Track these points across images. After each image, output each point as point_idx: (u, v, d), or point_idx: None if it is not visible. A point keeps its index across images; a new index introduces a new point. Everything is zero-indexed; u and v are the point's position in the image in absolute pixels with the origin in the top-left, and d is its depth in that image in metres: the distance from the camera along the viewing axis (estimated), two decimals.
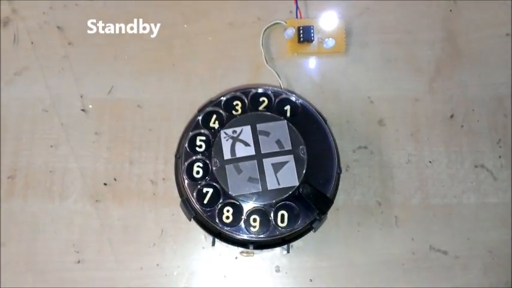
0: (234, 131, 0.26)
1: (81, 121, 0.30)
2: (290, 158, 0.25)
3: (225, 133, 0.25)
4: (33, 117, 0.30)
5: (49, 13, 0.32)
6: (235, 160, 0.25)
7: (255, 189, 0.24)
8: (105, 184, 0.29)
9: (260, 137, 0.25)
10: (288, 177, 0.25)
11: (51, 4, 0.32)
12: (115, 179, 0.29)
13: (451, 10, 0.32)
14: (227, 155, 0.25)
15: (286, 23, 0.31)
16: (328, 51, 0.31)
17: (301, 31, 0.30)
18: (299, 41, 0.31)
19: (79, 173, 0.29)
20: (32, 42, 0.31)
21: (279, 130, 0.26)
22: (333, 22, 0.31)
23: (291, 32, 0.30)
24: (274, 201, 0.24)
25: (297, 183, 0.24)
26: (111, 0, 0.32)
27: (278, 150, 0.25)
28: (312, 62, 0.31)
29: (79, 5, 0.32)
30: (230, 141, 0.25)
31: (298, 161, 0.25)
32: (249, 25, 0.32)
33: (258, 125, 0.26)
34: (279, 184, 0.25)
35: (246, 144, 0.25)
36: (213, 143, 0.25)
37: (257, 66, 0.31)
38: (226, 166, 0.25)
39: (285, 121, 0.26)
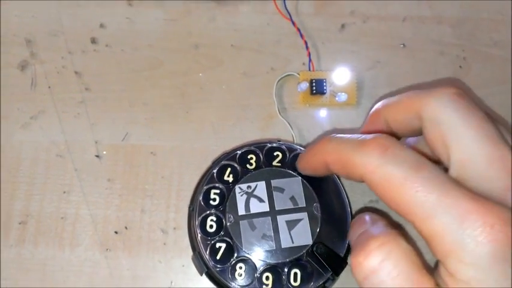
0: (249, 187, 0.26)
1: (95, 167, 0.30)
2: (304, 215, 0.25)
3: (240, 188, 0.26)
4: (47, 162, 0.30)
5: (67, 58, 0.33)
6: (250, 216, 0.25)
7: (269, 247, 0.25)
8: (115, 232, 0.29)
9: (274, 193, 0.26)
10: (302, 235, 0.25)
11: (70, 49, 0.33)
12: (126, 227, 0.29)
13: (460, 66, 0.33)
14: (241, 211, 0.25)
15: (299, 74, 0.32)
16: (340, 104, 0.31)
17: (313, 84, 0.31)
18: (312, 93, 0.31)
19: (90, 220, 0.29)
20: (49, 87, 0.32)
21: (294, 187, 0.26)
22: (345, 76, 0.31)
23: (304, 86, 0.31)
24: (287, 259, 0.24)
25: (310, 242, 0.24)
26: (129, 48, 0.33)
27: (292, 207, 0.25)
28: (323, 114, 0.32)
29: (97, 50, 0.33)
30: (245, 196, 0.26)
31: (312, 219, 0.25)
32: (263, 75, 0.32)
33: (272, 181, 0.26)
34: (292, 242, 0.25)
35: (261, 200, 0.25)
36: (227, 197, 0.26)
37: (269, 116, 0.31)
38: (241, 222, 0.25)
39: (300, 178, 0.26)
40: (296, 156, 0.27)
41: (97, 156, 0.30)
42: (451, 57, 0.33)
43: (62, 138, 0.31)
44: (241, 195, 0.26)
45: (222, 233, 0.25)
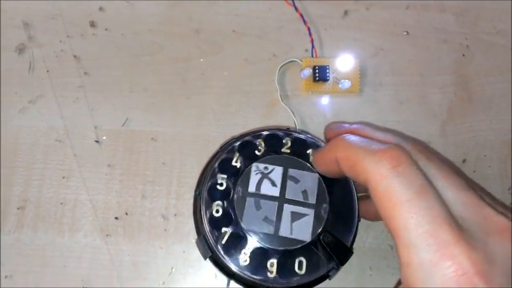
0: (266, 168, 0.25)
1: (95, 153, 0.30)
2: (311, 212, 0.25)
3: (257, 167, 0.25)
4: (46, 147, 0.30)
5: (66, 42, 0.32)
6: (258, 196, 0.25)
7: (267, 230, 0.24)
8: (116, 218, 0.28)
9: (288, 182, 0.25)
10: (302, 230, 0.24)
11: (69, 32, 0.32)
12: (126, 213, 0.29)
13: (463, 55, 0.33)
14: (252, 188, 0.25)
15: (301, 61, 0.31)
16: (343, 91, 0.31)
17: (316, 70, 0.31)
18: (314, 80, 0.31)
19: (90, 205, 0.29)
20: (48, 71, 0.31)
21: (309, 181, 0.25)
22: (348, 63, 0.31)
23: (307, 72, 0.30)
24: (280, 248, 0.24)
25: (308, 239, 0.24)
26: (129, 33, 0.32)
27: (302, 200, 0.25)
28: (326, 101, 0.32)
29: (96, 34, 0.32)
30: (259, 175, 0.25)
31: (317, 218, 0.25)
32: (265, 62, 0.32)
33: (290, 170, 0.25)
34: (291, 234, 0.24)
35: (273, 184, 0.25)
36: (241, 172, 0.25)
37: (272, 102, 0.31)
38: (248, 198, 0.25)
39: (318, 175, 0.25)
40: (304, 145, 0.26)
41: (97, 141, 0.30)
42: (454, 45, 0.33)
43: (61, 123, 0.30)
44: (256, 174, 0.25)
45: (231, 223, 0.24)
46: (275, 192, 0.25)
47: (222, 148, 0.27)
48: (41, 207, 0.28)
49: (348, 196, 0.25)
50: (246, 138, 0.27)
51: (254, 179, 0.25)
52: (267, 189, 0.25)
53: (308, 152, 0.26)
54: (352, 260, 0.28)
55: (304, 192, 0.25)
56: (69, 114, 0.30)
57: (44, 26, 0.32)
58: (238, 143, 0.26)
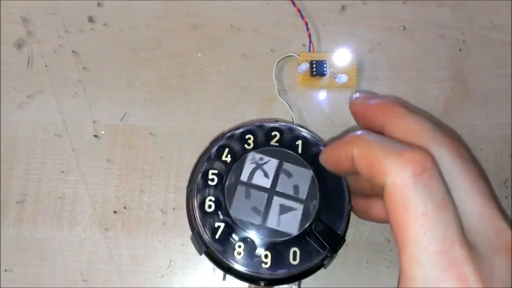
0: (261, 158, 0.26)
1: (93, 147, 0.30)
2: (299, 207, 0.25)
3: (253, 156, 0.26)
4: (44, 142, 0.30)
5: (64, 37, 0.32)
6: (249, 185, 0.25)
7: (254, 220, 0.25)
8: (114, 212, 0.29)
9: (281, 175, 0.25)
10: (290, 223, 0.25)
11: (67, 28, 0.32)
12: (125, 207, 0.29)
13: (460, 49, 0.33)
14: (244, 177, 0.25)
15: (299, 56, 0.31)
16: (340, 85, 0.31)
17: (314, 65, 0.31)
18: (311, 75, 0.31)
19: (89, 200, 0.29)
20: (46, 66, 0.31)
21: (302, 177, 0.25)
22: (345, 58, 0.31)
23: (304, 67, 0.31)
24: (265, 238, 0.24)
25: (295, 233, 0.24)
26: (127, 27, 0.32)
27: (292, 194, 0.25)
28: (323, 96, 0.32)
29: (95, 29, 0.32)
30: (253, 165, 0.26)
31: (305, 214, 0.25)
32: (262, 56, 0.32)
33: (285, 163, 0.26)
34: (278, 226, 0.25)
35: (266, 175, 0.25)
36: (238, 158, 0.25)
37: (269, 97, 0.31)
38: (239, 186, 0.25)
39: (312, 173, 0.26)
40: (294, 136, 0.27)
41: (95, 136, 0.30)
42: (450, 40, 0.33)
43: (60, 118, 0.30)
44: (251, 163, 0.25)
45: (223, 217, 0.25)
46: (266, 183, 0.25)
47: (212, 144, 0.27)
48: (40, 201, 0.29)
49: (338, 184, 0.26)
50: (235, 132, 0.27)
51: (248, 168, 0.25)
52: (259, 179, 0.25)
53: (297, 143, 0.26)
54: (349, 253, 0.28)
55: (296, 187, 0.25)
56: (68, 109, 0.30)
57: (43, 21, 0.32)
58: (227, 137, 0.27)
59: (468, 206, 0.18)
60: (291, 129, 0.27)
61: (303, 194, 0.25)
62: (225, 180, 0.25)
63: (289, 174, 0.26)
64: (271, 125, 0.27)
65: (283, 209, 0.25)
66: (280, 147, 0.26)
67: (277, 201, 0.25)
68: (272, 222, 0.25)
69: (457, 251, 0.17)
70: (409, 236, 0.17)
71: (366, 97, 0.24)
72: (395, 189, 0.18)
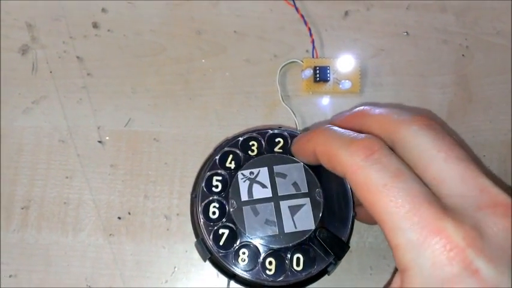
0: (251, 173, 0.26)
1: (98, 153, 0.30)
2: (307, 201, 0.25)
3: (243, 174, 0.26)
4: (49, 147, 0.30)
5: (69, 42, 0.32)
6: (253, 202, 0.25)
7: (272, 232, 0.25)
8: (119, 218, 0.29)
9: (277, 179, 0.26)
10: (305, 220, 0.25)
11: (72, 34, 0.32)
12: (129, 213, 0.29)
13: (463, 55, 0.33)
14: (244, 197, 0.25)
15: (302, 62, 0.32)
16: (344, 91, 0.31)
17: (317, 71, 0.31)
18: (315, 81, 0.31)
19: (93, 205, 0.29)
20: (51, 72, 0.32)
21: (296, 173, 0.26)
22: (349, 64, 0.31)
23: (308, 72, 0.31)
24: (290, 244, 0.24)
25: (313, 227, 0.25)
26: (132, 33, 0.32)
27: (295, 192, 0.25)
28: (327, 101, 0.32)
29: (99, 35, 0.32)
30: (247, 182, 0.26)
31: (314, 204, 0.25)
32: (266, 62, 0.32)
33: (275, 167, 0.26)
34: (295, 227, 0.25)
35: (263, 186, 0.26)
36: (230, 183, 0.26)
37: (273, 103, 0.31)
38: (244, 208, 0.25)
39: (302, 164, 0.26)
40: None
41: (100, 141, 0.30)
42: (454, 46, 0.33)
43: (64, 124, 0.30)
44: (244, 181, 0.26)
45: (224, 219, 0.25)
46: (267, 193, 0.25)
47: (216, 150, 0.27)
48: (44, 207, 0.29)
49: (342, 191, 0.26)
50: (239, 139, 0.27)
51: (243, 187, 0.25)
52: (259, 193, 0.25)
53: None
54: (353, 259, 0.28)
55: (295, 184, 0.25)
56: (73, 114, 0.31)
57: (47, 27, 0.32)
58: (231, 144, 0.27)
59: (448, 172, 0.19)
60: (294, 136, 0.27)
61: (304, 188, 0.25)
62: (229, 209, 0.25)
63: (283, 175, 0.26)
64: (275, 131, 0.27)
65: (293, 210, 0.25)
66: (283, 153, 0.26)
67: (284, 205, 0.25)
68: (288, 226, 0.25)
69: (428, 209, 0.17)
70: (380, 209, 0.18)
71: (341, 114, 0.26)
72: (354, 175, 0.19)
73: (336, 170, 0.21)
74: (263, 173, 0.26)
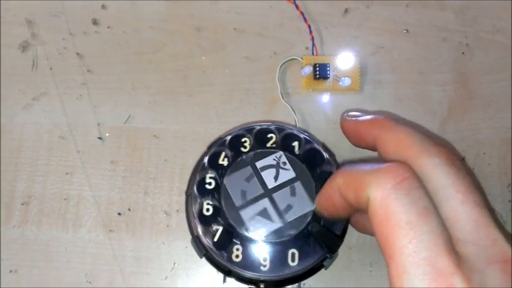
0: (236, 176, 0.26)
1: (98, 149, 0.30)
2: (298, 184, 0.26)
3: (229, 180, 0.26)
4: (49, 144, 0.30)
5: (68, 39, 0.32)
6: (248, 203, 0.25)
7: (276, 226, 0.25)
8: (119, 214, 0.29)
9: (263, 173, 0.26)
10: (301, 203, 0.25)
11: (71, 30, 0.32)
12: (129, 209, 0.29)
13: (463, 53, 0.33)
14: (238, 202, 0.25)
15: (302, 59, 0.32)
16: (343, 89, 0.31)
17: (317, 68, 0.31)
18: (315, 78, 0.31)
19: (93, 201, 0.29)
20: (51, 68, 0.32)
21: (278, 161, 0.26)
22: (349, 61, 0.31)
23: (308, 70, 0.31)
24: (298, 230, 0.25)
25: (312, 207, 0.25)
26: (131, 30, 0.32)
27: (284, 181, 0.26)
28: (326, 99, 0.32)
29: (99, 32, 0.32)
30: (237, 186, 0.26)
31: (305, 184, 0.25)
32: (265, 59, 0.32)
33: (257, 163, 0.26)
34: (295, 213, 0.25)
35: (253, 184, 0.26)
36: (221, 188, 0.26)
37: (272, 100, 0.31)
38: (240, 212, 0.25)
39: (281, 152, 0.26)
40: (288, 136, 0.27)
41: (100, 138, 0.30)
42: (453, 44, 0.33)
43: (64, 120, 0.30)
44: (233, 186, 0.26)
45: (218, 217, 0.25)
46: (259, 190, 0.25)
47: (209, 148, 0.27)
48: (45, 203, 0.29)
49: (329, 172, 0.26)
50: (231, 136, 0.27)
51: (234, 192, 0.26)
52: (250, 193, 0.25)
53: (293, 144, 0.27)
54: (352, 256, 0.29)
55: (281, 172, 0.26)
56: (73, 111, 0.31)
57: (47, 23, 0.32)
58: (224, 142, 0.27)
59: (462, 215, 0.18)
60: (282, 130, 0.27)
61: (291, 173, 0.26)
62: (226, 217, 0.25)
63: (267, 168, 0.26)
64: (266, 127, 0.27)
65: (289, 197, 0.25)
66: (277, 148, 0.27)
67: (278, 195, 0.25)
68: (289, 215, 0.25)
69: (445, 260, 0.16)
70: (395, 247, 0.17)
71: (357, 115, 0.25)
72: (377, 202, 0.18)
73: (361, 201, 0.19)
74: (247, 173, 0.26)
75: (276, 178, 0.26)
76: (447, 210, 0.18)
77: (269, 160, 0.26)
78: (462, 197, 0.18)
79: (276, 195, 0.25)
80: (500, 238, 0.18)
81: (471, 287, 0.16)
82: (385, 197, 0.17)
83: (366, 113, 0.26)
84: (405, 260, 0.17)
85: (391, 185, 0.17)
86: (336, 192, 0.21)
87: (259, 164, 0.26)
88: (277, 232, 0.25)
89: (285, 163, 0.26)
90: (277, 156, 0.26)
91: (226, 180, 0.26)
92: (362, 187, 0.18)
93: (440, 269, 0.16)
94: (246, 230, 0.25)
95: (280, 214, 0.25)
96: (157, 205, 0.29)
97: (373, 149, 0.23)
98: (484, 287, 0.17)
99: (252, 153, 0.27)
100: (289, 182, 0.26)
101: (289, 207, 0.25)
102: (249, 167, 0.26)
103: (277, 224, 0.25)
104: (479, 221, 0.18)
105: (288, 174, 0.26)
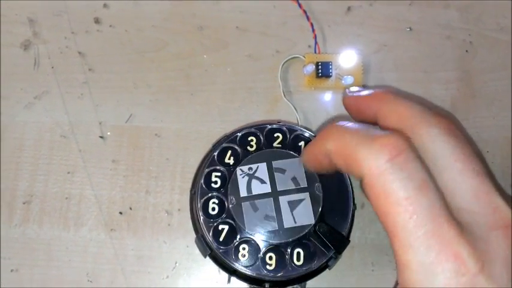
0: (250, 168, 0.26)
1: (99, 148, 0.30)
2: (306, 195, 0.25)
3: (241, 170, 0.26)
4: (51, 143, 0.30)
5: (70, 38, 0.32)
6: (252, 197, 0.25)
7: (272, 227, 0.25)
8: (120, 213, 0.29)
9: (276, 174, 0.26)
10: (304, 215, 0.25)
11: (73, 29, 0.32)
12: (130, 208, 0.29)
13: (467, 51, 0.33)
14: (243, 193, 0.25)
15: (304, 57, 0.31)
16: (346, 87, 0.31)
17: (319, 67, 0.31)
18: (317, 76, 0.31)
19: (95, 200, 0.29)
20: (53, 67, 0.32)
21: (295, 167, 0.26)
22: (351, 59, 0.31)
23: (310, 68, 0.31)
24: (290, 239, 0.24)
25: (313, 221, 0.25)
26: (133, 29, 0.32)
27: (294, 187, 0.25)
28: (329, 97, 0.32)
29: (101, 31, 0.32)
30: (246, 178, 0.26)
31: (314, 199, 0.25)
32: (268, 58, 0.32)
33: (273, 162, 0.26)
34: (295, 222, 0.25)
35: (262, 181, 0.25)
36: (229, 180, 0.25)
37: (275, 99, 0.31)
38: (243, 203, 0.25)
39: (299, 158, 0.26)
40: (297, 137, 0.27)
41: (101, 137, 0.30)
42: (457, 42, 0.33)
43: (66, 119, 0.30)
44: (243, 177, 0.26)
45: (224, 215, 0.25)
46: (266, 189, 0.25)
47: (214, 146, 0.27)
48: (46, 202, 0.29)
49: (341, 183, 0.26)
50: (238, 134, 0.27)
51: (242, 183, 0.25)
52: (257, 188, 0.25)
53: (300, 144, 0.26)
54: (354, 255, 0.28)
55: (294, 179, 0.25)
56: (74, 110, 0.31)
57: (49, 22, 0.32)
58: (230, 140, 0.27)
59: (462, 184, 0.18)
60: (293, 130, 0.27)
61: (303, 182, 0.25)
62: (228, 205, 0.25)
63: (282, 170, 0.26)
64: (274, 126, 0.27)
65: (293, 205, 0.25)
66: (282, 148, 0.26)
67: (283, 200, 0.25)
68: (288, 221, 0.25)
69: (447, 230, 0.16)
70: (396, 223, 0.17)
71: (358, 90, 0.24)
72: (373, 178, 0.17)
73: (352, 172, 0.18)
74: (262, 169, 0.26)
75: (287, 182, 0.25)
76: (446, 179, 0.18)
77: (286, 163, 0.26)
78: (461, 166, 0.18)
79: (282, 199, 0.25)
80: (502, 204, 0.18)
81: (476, 255, 0.16)
82: (381, 173, 0.17)
83: (368, 88, 0.25)
84: (409, 236, 0.17)
85: (386, 160, 0.17)
86: (325, 156, 0.20)
87: (275, 164, 0.26)
88: (283, 232, 0.24)
89: (301, 171, 0.25)
90: (296, 162, 0.26)
91: (239, 172, 0.25)
92: (355, 160, 0.18)
93: (444, 240, 0.16)
94: (252, 229, 0.25)
95: (283, 217, 0.25)
96: (159, 204, 0.29)
97: (375, 122, 0.22)
98: (488, 254, 0.16)
99: (269, 150, 0.26)
100: (298, 190, 0.25)
101: (291, 214, 0.25)
102: (265, 163, 0.26)
103: (284, 224, 0.25)
104: (479, 189, 0.18)
105: (300, 182, 0.25)
